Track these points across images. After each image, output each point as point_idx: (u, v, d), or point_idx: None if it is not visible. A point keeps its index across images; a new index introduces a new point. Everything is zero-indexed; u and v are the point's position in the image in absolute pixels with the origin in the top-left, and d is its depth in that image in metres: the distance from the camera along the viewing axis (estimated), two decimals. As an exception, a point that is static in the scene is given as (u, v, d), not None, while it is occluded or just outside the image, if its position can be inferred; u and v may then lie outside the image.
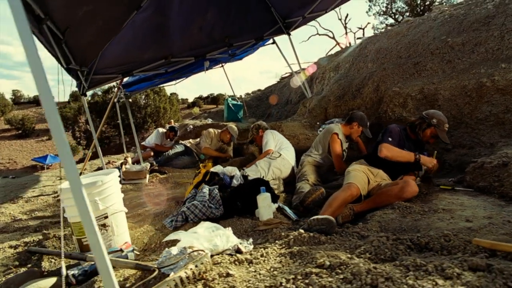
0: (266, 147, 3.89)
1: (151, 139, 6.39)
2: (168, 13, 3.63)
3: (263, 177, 3.28)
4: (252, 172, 3.28)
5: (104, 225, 1.86)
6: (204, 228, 1.80)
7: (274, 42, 5.54)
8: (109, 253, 1.83)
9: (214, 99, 36.60)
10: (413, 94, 3.61)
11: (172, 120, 11.78)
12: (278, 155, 3.68)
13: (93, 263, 1.70)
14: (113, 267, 1.58)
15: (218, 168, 2.86)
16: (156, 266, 1.41)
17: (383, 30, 8.69)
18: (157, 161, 5.10)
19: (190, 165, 5.08)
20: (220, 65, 5.58)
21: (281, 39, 5.64)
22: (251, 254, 1.58)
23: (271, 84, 9.32)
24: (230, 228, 1.80)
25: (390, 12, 8.33)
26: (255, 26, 4.91)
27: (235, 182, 2.68)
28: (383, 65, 4.65)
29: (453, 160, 2.97)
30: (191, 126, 6.79)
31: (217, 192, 2.43)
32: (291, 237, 1.71)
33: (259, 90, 9.88)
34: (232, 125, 5.13)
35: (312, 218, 1.84)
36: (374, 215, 2.07)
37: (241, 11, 4.40)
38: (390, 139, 2.49)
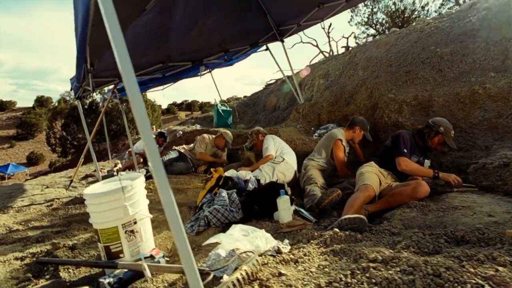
0: (266, 152, 3.92)
1: (140, 145, 6.25)
2: (172, 16, 3.60)
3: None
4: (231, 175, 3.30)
5: (132, 231, 1.81)
6: (238, 230, 1.80)
7: (267, 49, 5.64)
8: (139, 259, 1.78)
9: (188, 106, 36.17)
10: (407, 101, 3.81)
11: (154, 126, 11.53)
12: (281, 159, 3.73)
13: (126, 270, 1.64)
14: (156, 273, 1.55)
15: (231, 173, 2.85)
16: (207, 269, 1.40)
17: (364, 39, 9.08)
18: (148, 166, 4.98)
19: (185, 171, 5.00)
20: (208, 70, 5.57)
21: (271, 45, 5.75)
22: (293, 254, 1.61)
23: (258, 91, 9.41)
24: (263, 230, 1.81)
25: (371, 22, 8.76)
26: (251, 32, 4.98)
27: (250, 186, 2.69)
28: (375, 73, 4.87)
29: (450, 162, 3.16)
30: (181, 132, 6.70)
31: (236, 196, 2.43)
32: (327, 236, 1.75)
33: (245, 96, 9.94)
34: (227, 131, 5.14)
35: (344, 217, 1.89)
36: (394, 214, 2.17)
37: (240, 16, 4.45)
38: (405, 150, 2.61)
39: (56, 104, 32.91)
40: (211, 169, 2.93)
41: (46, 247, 2.37)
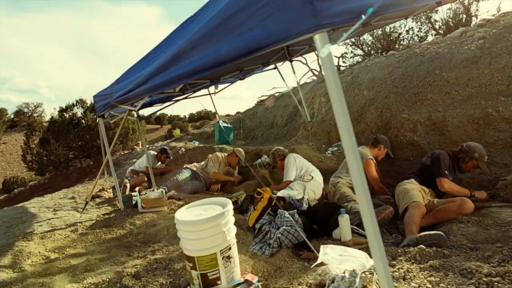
0: (286, 176, 4.03)
1: (142, 162, 6.08)
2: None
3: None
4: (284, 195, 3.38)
5: (228, 257, 1.80)
6: (331, 250, 1.86)
7: (275, 68, 5.80)
8: (235, 286, 1.77)
9: (158, 119, 35.27)
10: (422, 121, 4.11)
11: (139, 142, 11.20)
12: (311, 177, 3.84)
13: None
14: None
15: (284, 193, 2.90)
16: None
17: (351, 59, 9.61)
18: (163, 185, 4.86)
19: (200, 190, 4.94)
20: (224, 86, 5.61)
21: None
22: (395, 271, 1.69)
23: (252, 107, 9.53)
24: (356, 249, 1.88)
25: (358, 43, 9.32)
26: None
27: (304, 206, 2.76)
28: (380, 93, 5.20)
29: (470, 178, 3.44)
30: (183, 150, 6.61)
31: (298, 216, 2.48)
32: (414, 253, 1.86)
33: (237, 112, 10.01)
34: (239, 149, 5.17)
35: (423, 234, 2.02)
36: (451, 229, 2.33)
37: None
38: (446, 172, 2.83)
39: (12, 116, 30.78)
40: (259, 190, 2.96)
41: (105, 276, 2.27)
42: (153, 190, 4.27)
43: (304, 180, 3.81)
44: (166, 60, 1.81)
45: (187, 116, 44.81)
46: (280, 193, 2.91)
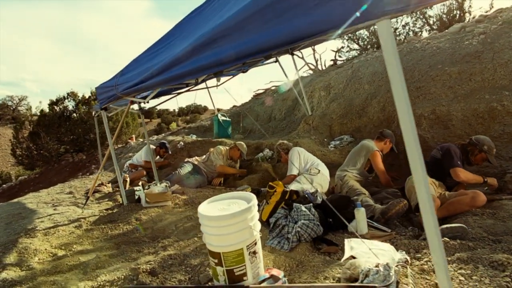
0: (290, 170, 4.02)
1: (140, 156, 5.96)
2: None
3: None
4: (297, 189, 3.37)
5: (254, 252, 1.76)
6: (355, 243, 1.85)
7: (277, 61, 5.74)
8: (261, 281, 1.74)
9: (147, 113, 34.78)
10: (426, 115, 4.14)
11: (133, 136, 11.00)
12: (317, 171, 3.83)
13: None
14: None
15: (297, 186, 2.87)
16: (377, 285, 1.43)
17: (347, 53, 9.62)
18: (165, 179, 4.77)
19: (202, 184, 4.87)
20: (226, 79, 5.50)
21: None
22: (423, 264, 1.69)
23: (248, 100, 9.44)
24: (383, 243, 1.88)
25: (355, 37, 9.32)
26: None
27: (318, 199, 2.74)
28: (381, 87, 5.21)
29: (475, 171, 3.48)
30: (182, 143, 6.51)
31: (314, 210, 2.46)
32: (438, 246, 1.86)
33: (234, 106, 9.92)
34: (241, 142, 5.11)
35: (445, 226, 2.03)
36: (467, 222, 2.36)
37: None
38: (459, 162, 2.86)
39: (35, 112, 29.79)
40: (270, 183, 2.92)
41: (119, 273, 2.20)
42: (156, 185, 4.18)
43: (311, 173, 3.80)
44: (189, 50, 1.74)
45: (176, 110, 44.32)
46: (293, 187, 2.88)
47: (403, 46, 5.87)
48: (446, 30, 6.01)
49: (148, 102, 3.10)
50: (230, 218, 1.67)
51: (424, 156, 3.52)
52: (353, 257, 1.71)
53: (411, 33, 8.93)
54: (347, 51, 9.61)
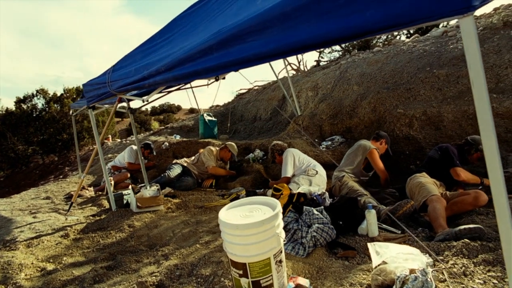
0: (284, 172, 3.98)
1: (122, 157, 5.66)
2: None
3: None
4: (304, 191, 3.31)
5: (280, 261, 1.66)
6: (379, 247, 1.80)
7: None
8: (289, 291, 1.65)
9: (118, 113, 33.58)
10: (417, 116, 4.23)
11: (109, 136, 10.48)
12: (315, 172, 3.80)
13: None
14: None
15: (304, 189, 2.80)
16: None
17: (329, 54, 9.74)
18: (153, 182, 4.53)
19: (193, 186, 4.69)
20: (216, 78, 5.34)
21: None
22: (451, 267, 1.67)
23: (232, 99, 9.28)
24: (408, 246, 1.84)
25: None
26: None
27: (327, 202, 2.68)
28: (370, 89, 5.29)
29: (469, 171, 3.60)
30: (167, 144, 6.25)
31: (326, 213, 2.40)
32: (459, 247, 1.86)
33: (217, 105, 9.71)
34: (232, 143, 4.98)
35: (463, 228, 2.04)
36: (474, 221, 2.40)
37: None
38: (458, 162, 2.92)
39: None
40: (275, 186, 2.83)
41: (122, 287, 2.01)
42: (146, 188, 3.95)
43: (309, 174, 3.76)
44: (212, 44, 1.60)
45: (149, 110, 43.26)
46: (300, 189, 2.81)
47: (390, 48, 6.00)
48: (428, 34, 6.22)
49: (147, 101, 2.89)
50: (259, 226, 1.55)
51: (417, 156, 3.60)
52: (384, 262, 1.66)
53: (390, 36, 9.19)
54: (329, 52, 9.73)
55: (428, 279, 1.44)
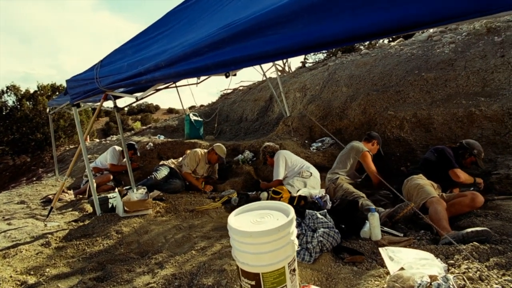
0: (276, 175, 3.91)
1: (104, 159, 5.39)
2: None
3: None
4: (305, 194, 3.24)
5: (294, 270, 1.57)
6: (391, 252, 1.75)
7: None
8: (302, 301, 1.56)
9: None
10: (407, 118, 4.28)
11: (87, 136, 9.99)
12: (309, 173, 3.74)
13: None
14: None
15: (305, 192, 2.71)
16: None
17: (314, 55, 9.79)
18: (139, 184, 4.30)
19: (181, 188, 4.50)
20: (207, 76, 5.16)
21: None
22: (466, 272, 1.64)
23: (217, 100, 9.10)
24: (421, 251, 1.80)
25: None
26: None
27: (328, 205, 2.61)
28: (359, 91, 5.32)
29: (458, 173, 3.67)
30: (151, 144, 6.01)
31: (329, 217, 2.33)
32: (469, 250, 1.84)
33: (201, 105, 9.50)
34: (220, 145, 4.80)
35: (470, 230, 2.02)
36: (474, 223, 2.41)
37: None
38: (455, 163, 2.95)
39: None
40: (274, 189, 2.73)
41: (117, 301, 1.85)
42: (133, 191, 3.74)
43: (303, 176, 3.70)
44: (221, 38, 1.48)
45: (126, 109, 42.12)
46: (300, 192, 2.73)
47: (378, 51, 6.08)
48: (413, 38, 6.35)
49: (140, 99, 2.70)
50: (274, 233, 1.45)
51: (408, 158, 3.61)
52: (402, 268, 1.60)
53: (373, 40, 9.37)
54: (313, 54, 9.78)
55: (450, 286, 1.39)
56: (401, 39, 7.21)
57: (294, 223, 1.58)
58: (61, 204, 4.13)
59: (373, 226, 2.36)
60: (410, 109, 4.36)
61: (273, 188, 2.75)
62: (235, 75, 3.17)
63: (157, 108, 47.41)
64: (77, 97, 2.92)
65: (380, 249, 1.85)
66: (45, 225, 3.24)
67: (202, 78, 4.71)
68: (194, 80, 4.54)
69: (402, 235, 2.45)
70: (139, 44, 2.64)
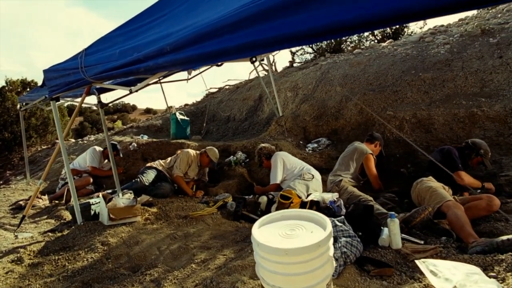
0: (273, 178, 3.71)
1: (83, 161, 4.95)
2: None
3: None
4: (317, 199, 3.02)
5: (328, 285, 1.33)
6: (433, 266, 1.56)
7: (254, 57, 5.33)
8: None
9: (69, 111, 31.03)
10: (407, 118, 4.18)
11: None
12: (311, 176, 3.54)
13: None
14: None
15: (317, 196, 2.48)
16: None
17: (302, 56, 9.68)
18: (123, 188, 3.92)
19: (171, 193, 4.16)
20: (199, 72, 4.85)
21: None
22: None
23: (203, 98, 8.75)
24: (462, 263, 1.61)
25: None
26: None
27: (343, 210, 2.40)
28: (354, 90, 5.19)
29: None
30: (135, 145, 5.60)
31: (348, 224, 2.12)
32: (510, 261, 1.68)
33: (186, 104, 9.11)
34: (212, 147, 4.47)
35: (505, 238, 1.87)
36: (497, 229, 2.28)
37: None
38: (460, 165, 2.83)
39: None
40: (283, 193, 2.49)
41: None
42: (118, 196, 3.37)
43: (305, 179, 3.49)
44: (246, 16, 1.23)
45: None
46: (312, 197, 2.50)
47: (371, 51, 6.00)
48: (404, 40, 6.34)
49: (135, 91, 2.36)
50: (314, 250, 1.21)
51: (408, 159, 3.46)
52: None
53: (356, 41, 9.38)
54: (301, 54, 9.66)
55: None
56: (390, 40, 7.21)
57: (332, 236, 1.34)
58: (34, 211, 3.68)
59: (394, 233, 2.17)
60: (409, 109, 4.27)
61: (282, 193, 2.50)
62: (262, 60, 2.89)
63: (134, 108, 46.06)
64: (56, 89, 2.54)
65: (417, 262, 1.65)
66: (16, 237, 2.83)
67: (193, 73, 4.41)
68: (184, 75, 4.21)
69: (422, 242, 2.28)
70: (129, 31, 2.33)
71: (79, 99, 4.29)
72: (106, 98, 3.58)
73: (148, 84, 2.61)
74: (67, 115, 9.31)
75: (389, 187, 3.70)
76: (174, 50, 1.57)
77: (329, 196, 2.52)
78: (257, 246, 1.26)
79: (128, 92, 2.35)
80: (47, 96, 2.78)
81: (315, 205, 2.38)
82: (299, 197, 2.47)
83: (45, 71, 2.65)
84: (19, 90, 8.48)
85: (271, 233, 1.36)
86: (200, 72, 4.53)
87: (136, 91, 2.31)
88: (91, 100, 4.10)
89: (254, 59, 2.19)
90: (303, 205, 2.35)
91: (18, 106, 5.16)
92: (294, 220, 1.45)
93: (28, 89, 8.44)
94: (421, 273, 1.77)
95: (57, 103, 2.84)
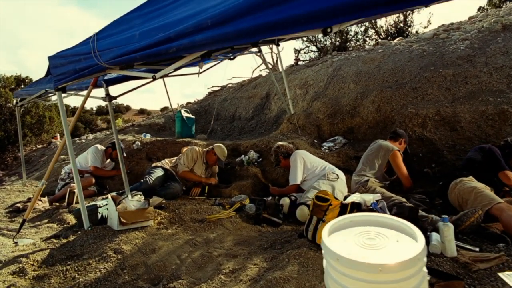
0: (292, 179, 3.50)
1: (85, 160, 4.66)
2: None
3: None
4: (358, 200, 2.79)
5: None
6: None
7: (259, 50, 5.10)
8: None
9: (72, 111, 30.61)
10: (430, 116, 3.98)
11: (57, 135, 8.98)
12: (336, 176, 3.32)
13: None
14: None
15: (357, 198, 2.24)
16: None
17: (305, 54, 9.50)
18: (131, 188, 3.63)
19: (180, 193, 3.89)
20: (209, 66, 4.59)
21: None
22: None
23: (206, 96, 8.48)
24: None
25: (313, 40, 9.23)
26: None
27: (387, 212, 2.16)
28: (369, 87, 4.99)
29: (491, 174, 3.38)
30: (139, 143, 5.31)
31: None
32: None
33: (188, 103, 8.81)
34: (220, 145, 4.23)
35: None
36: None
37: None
38: (505, 165, 2.64)
39: None
40: (318, 194, 2.25)
41: None
42: (128, 198, 3.09)
43: (330, 179, 3.26)
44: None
45: (94, 109, 40.24)
46: (352, 198, 2.26)
47: (384, 47, 5.81)
48: (417, 36, 6.17)
49: (159, 77, 2.09)
50: (413, 265, 0.96)
51: (432, 159, 3.24)
52: None
53: (362, 40, 9.23)
54: (305, 53, 9.47)
55: None
56: (400, 38, 7.04)
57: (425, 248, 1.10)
58: (33, 215, 3.37)
59: (448, 239, 1.94)
60: (432, 106, 4.06)
61: (317, 194, 2.26)
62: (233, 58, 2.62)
63: (128, 108, 45.47)
64: (64, 78, 2.25)
65: (501, 274, 1.42)
66: (16, 244, 2.53)
67: (205, 67, 4.15)
68: (196, 69, 3.95)
69: (478, 249, 2.06)
70: (148, 13, 2.06)
71: (84, 92, 4.01)
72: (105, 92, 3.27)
73: (170, 73, 2.34)
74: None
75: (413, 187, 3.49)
76: (218, 24, 1.31)
77: (371, 198, 2.28)
78: (339, 260, 1.01)
79: (150, 79, 2.09)
80: (52, 86, 2.48)
81: (356, 208, 2.14)
82: (336, 199, 2.23)
83: (50, 58, 2.34)
84: (12, 87, 8.12)
85: (345, 241, 1.12)
86: (212, 66, 4.27)
87: (161, 77, 2.05)
88: (96, 93, 3.80)
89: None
90: (342, 208, 2.11)
91: (14, 101, 4.83)
92: (367, 226, 1.20)
93: (22, 86, 8.08)
94: (492, 286, 1.55)
95: (64, 94, 2.55)
